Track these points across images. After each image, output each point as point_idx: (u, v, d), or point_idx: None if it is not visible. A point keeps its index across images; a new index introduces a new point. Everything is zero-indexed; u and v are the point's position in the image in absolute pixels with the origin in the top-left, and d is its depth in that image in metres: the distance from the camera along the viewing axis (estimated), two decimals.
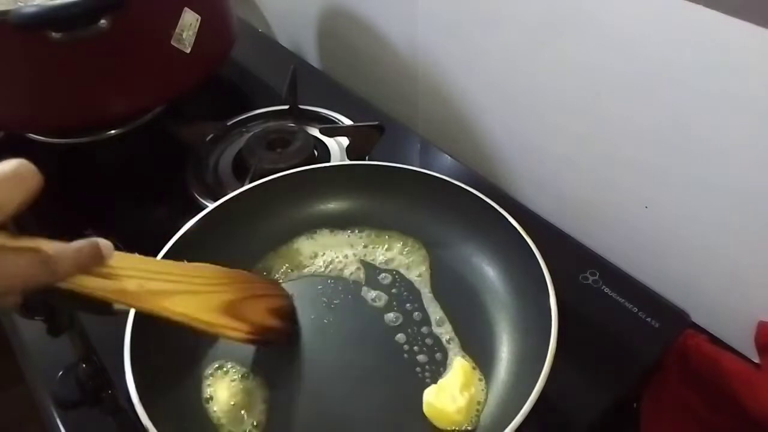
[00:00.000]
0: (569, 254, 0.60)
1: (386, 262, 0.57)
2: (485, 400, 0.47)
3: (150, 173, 0.75)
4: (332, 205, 0.61)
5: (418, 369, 0.49)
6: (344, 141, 0.74)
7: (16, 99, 0.68)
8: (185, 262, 0.44)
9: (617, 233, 0.63)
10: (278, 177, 0.59)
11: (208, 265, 0.45)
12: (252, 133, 0.73)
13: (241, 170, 0.69)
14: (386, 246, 0.59)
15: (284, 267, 0.57)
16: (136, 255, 0.39)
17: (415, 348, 0.50)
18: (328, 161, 0.71)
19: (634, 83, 0.55)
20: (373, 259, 0.58)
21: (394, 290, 0.55)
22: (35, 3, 0.62)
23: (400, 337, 0.51)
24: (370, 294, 0.55)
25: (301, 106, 0.79)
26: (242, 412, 0.47)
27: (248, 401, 0.47)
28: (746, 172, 0.50)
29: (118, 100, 0.71)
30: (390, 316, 0.53)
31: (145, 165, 0.77)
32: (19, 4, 0.65)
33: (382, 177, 0.60)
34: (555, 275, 0.48)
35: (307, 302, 0.54)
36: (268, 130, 0.73)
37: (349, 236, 0.60)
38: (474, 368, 0.48)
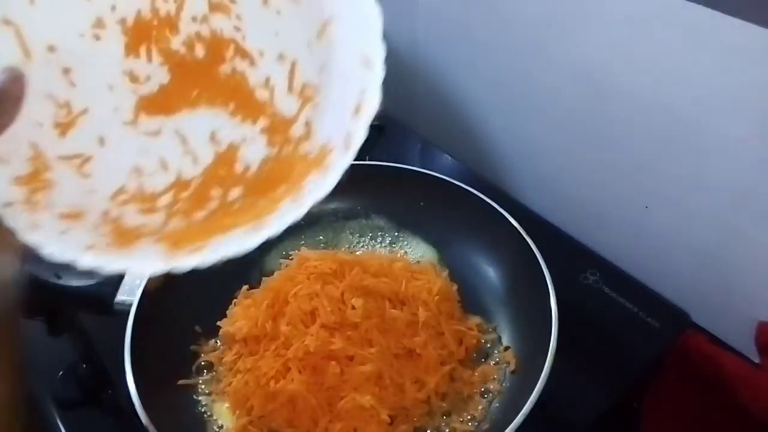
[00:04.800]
0: (569, 254, 0.60)
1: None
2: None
3: None
4: (332, 205, 0.61)
5: None
6: None
7: None
8: None
9: (617, 233, 0.63)
10: None
11: None
12: None
13: None
14: (385, 245, 0.59)
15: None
16: None
17: None
18: None
19: (634, 83, 0.55)
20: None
21: None
22: None
23: None
24: None
25: None
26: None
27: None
28: (746, 172, 0.50)
29: None
30: None
31: None
32: None
33: (382, 177, 0.60)
34: (555, 275, 0.48)
35: None
36: None
37: (348, 235, 0.60)
38: None
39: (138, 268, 0.33)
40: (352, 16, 0.32)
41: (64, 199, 0.33)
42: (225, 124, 0.36)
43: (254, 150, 0.36)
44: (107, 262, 0.31)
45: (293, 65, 0.35)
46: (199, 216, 0.34)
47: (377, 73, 0.31)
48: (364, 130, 0.31)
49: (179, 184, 0.35)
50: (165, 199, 0.35)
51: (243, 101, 0.36)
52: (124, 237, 0.33)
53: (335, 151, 0.32)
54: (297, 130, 0.35)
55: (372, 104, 0.31)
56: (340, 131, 0.32)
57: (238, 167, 0.36)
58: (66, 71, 0.33)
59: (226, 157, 0.36)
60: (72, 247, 0.32)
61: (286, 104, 0.36)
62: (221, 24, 0.36)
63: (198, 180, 0.36)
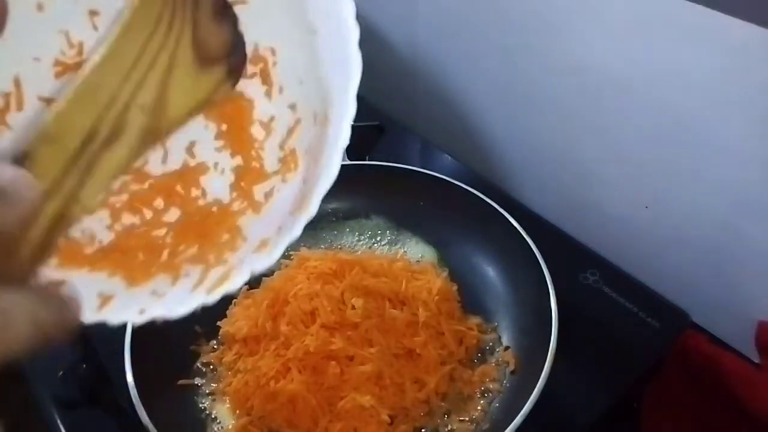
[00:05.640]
0: (569, 254, 0.60)
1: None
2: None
3: None
4: (332, 205, 0.61)
5: None
6: None
7: None
8: None
9: (617, 233, 0.63)
10: None
11: None
12: None
13: None
14: (385, 245, 0.59)
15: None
16: None
17: None
18: None
19: (634, 83, 0.55)
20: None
21: None
22: None
23: None
24: None
25: None
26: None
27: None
28: (746, 172, 0.50)
29: None
30: None
31: None
32: None
33: (382, 177, 0.60)
34: (555, 275, 0.48)
35: None
36: None
37: (348, 235, 0.60)
38: None
39: None
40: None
41: (8, 143, 0.29)
42: (207, 142, 0.33)
43: (216, 185, 0.33)
44: None
45: (297, 123, 0.33)
46: (125, 221, 0.31)
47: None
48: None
49: (138, 174, 0.32)
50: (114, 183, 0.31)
51: (236, 128, 0.34)
52: None
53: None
54: (260, 192, 0.32)
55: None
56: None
57: (194, 192, 0.33)
58: (93, 13, 0.30)
59: (192, 174, 0.33)
60: None
61: (270, 157, 0.33)
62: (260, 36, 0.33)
63: (153, 181, 0.32)
